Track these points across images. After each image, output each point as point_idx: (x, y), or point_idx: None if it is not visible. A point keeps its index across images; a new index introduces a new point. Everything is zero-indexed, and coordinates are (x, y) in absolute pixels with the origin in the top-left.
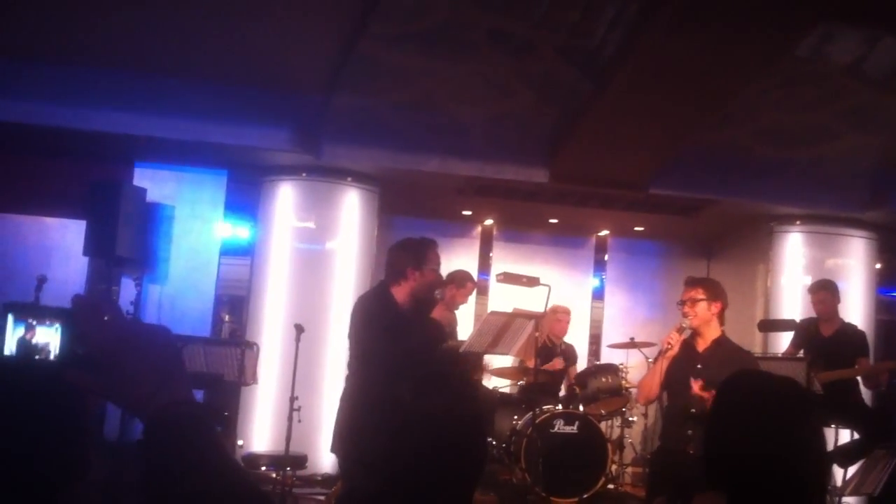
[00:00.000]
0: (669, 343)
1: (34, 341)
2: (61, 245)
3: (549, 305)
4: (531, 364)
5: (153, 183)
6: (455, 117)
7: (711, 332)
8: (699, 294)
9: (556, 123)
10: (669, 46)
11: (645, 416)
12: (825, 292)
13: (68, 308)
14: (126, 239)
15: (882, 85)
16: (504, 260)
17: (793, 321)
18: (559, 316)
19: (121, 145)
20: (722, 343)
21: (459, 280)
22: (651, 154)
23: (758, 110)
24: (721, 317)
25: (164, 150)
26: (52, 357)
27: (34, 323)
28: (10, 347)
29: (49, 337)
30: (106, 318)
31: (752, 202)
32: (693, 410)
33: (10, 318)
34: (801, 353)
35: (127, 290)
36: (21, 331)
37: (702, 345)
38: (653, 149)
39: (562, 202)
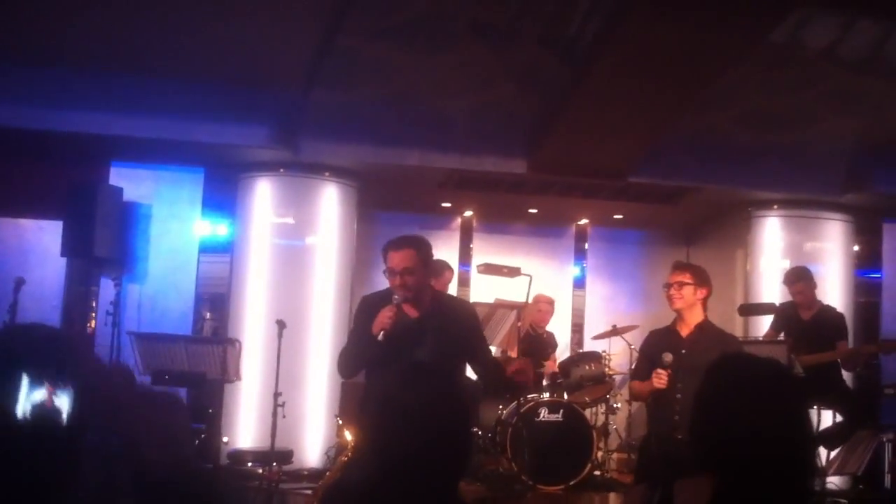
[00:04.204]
0: (661, 382)
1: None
2: (38, 246)
3: (533, 294)
4: (514, 353)
5: (130, 182)
6: (435, 110)
7: (695, 317)
8: (687, 278)
9: (536, 113)
10: (647, 33)
11: (629, 402)
12: (802, 283)
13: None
14: (104, 239)
15: (859, 68)
16: (485, 251)
17: (773, 305)
18: (541, 306)
19: (96, 145)
20: (705, 328)
21: (436, 270)
22: (632, 142)
23: (737, 96)
24: (705, 303)
25: (140, 149)
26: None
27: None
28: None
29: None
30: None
31: (732, 188)
32: (679, 396)
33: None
34: (781, 336)
35: (106, 291)
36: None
37: (685, 330)
38: (633, 137)
39: (542, 193)
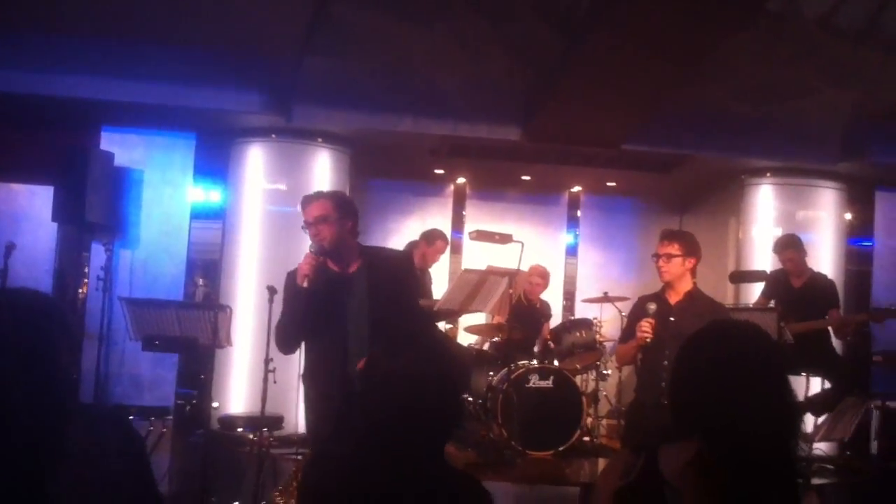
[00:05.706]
0: (645, 334)
1: None
2: (30, 212)
3: (529, 265)
4: (504, 320)
5: (121, 147)
6: (430, 79)
7: (684, 285)
8: (675, 250)
9: (530, 82)
10: (643, 4)
11: (619, 369)
12: (791, 251)
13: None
14: (95, 204)
15: (855, 38)
16: (477, 218)
17: (763, 272)
18: (533, 279)
19: (87, 110)
20: (694, 295)
21: (429, 238)
22: (627, 112)
23: (734, 67)
24: (694, 271)
25: (132, 115)
26: None
27: None
28: None
29: None
30: None
31: (726, 157)
32: (666, 363)
33: None
34: (771, 304)
35: (98, 256)
36: None
37: (674, 297)
38: (629, 107)
39: (536, 160)
